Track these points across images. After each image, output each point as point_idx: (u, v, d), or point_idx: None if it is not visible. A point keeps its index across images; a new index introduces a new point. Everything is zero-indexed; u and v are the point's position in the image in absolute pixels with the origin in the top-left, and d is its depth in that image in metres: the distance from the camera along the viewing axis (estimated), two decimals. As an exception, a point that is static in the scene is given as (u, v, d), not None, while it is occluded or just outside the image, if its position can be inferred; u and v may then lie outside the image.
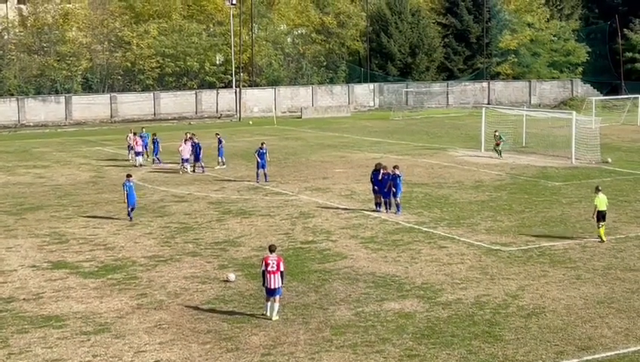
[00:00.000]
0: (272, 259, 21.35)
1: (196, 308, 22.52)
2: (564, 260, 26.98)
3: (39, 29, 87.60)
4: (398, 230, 31.68)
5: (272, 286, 21.26)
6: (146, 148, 52.18)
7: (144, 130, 55.72)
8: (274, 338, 20.00)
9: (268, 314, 21.50)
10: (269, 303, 21.53)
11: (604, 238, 29.19)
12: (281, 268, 21.36)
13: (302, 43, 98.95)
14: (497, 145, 51.76)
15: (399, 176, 34.46)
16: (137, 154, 50.65)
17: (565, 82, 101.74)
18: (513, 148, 54.52)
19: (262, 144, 44.02)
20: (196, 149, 47.69)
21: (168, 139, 57.92)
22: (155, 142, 51.88)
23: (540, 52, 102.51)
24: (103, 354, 19.17)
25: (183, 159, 47.09)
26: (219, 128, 65.49)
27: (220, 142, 48.89)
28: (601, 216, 29.10)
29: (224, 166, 48.61)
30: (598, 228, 29.24)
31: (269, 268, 21.21)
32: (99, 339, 20.16)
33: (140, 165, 49.89)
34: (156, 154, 51.42)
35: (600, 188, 30.05)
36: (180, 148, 47.30)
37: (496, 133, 52.49)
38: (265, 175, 43.23)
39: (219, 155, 48.96)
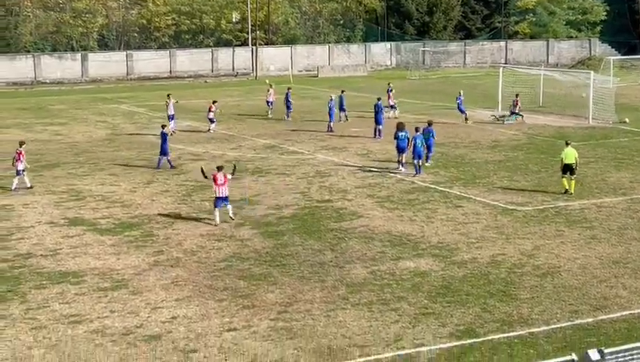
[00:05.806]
0: (220, 175, 26.40)
1: (212, 265, 22.66)
2: (579, 220, 26.93)
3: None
4: (414, 189, 31.67)
5: (223, 195, 26.38)
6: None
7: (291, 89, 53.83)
8: (290, 296, 20.10)
9: (217, 220, 26.39)
10: (217, 211, 26.46)
11: (568, 188, 30.20)
12: (229, 178, 26.54)
13: (319, 1, 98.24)
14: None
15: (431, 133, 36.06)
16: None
17: (583, 41, 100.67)
18: (530, 108, 54.15)
19: (288, 89, 51.76)
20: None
21: (185, 97, 57.85)
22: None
23: (558, 10, 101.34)
24: (120, 310, 19.35)
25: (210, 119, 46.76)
26: (236, 87, 65.29)
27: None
28: (567, 168, 30.27)
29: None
30: (562, 178, 30.47)
31: (218, 182, 26.24)
32: (116, 296, 20.34)
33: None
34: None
35: (569, 142, 31.47)
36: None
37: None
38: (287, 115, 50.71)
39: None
